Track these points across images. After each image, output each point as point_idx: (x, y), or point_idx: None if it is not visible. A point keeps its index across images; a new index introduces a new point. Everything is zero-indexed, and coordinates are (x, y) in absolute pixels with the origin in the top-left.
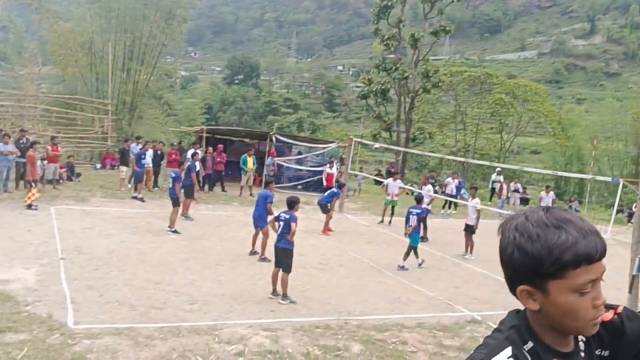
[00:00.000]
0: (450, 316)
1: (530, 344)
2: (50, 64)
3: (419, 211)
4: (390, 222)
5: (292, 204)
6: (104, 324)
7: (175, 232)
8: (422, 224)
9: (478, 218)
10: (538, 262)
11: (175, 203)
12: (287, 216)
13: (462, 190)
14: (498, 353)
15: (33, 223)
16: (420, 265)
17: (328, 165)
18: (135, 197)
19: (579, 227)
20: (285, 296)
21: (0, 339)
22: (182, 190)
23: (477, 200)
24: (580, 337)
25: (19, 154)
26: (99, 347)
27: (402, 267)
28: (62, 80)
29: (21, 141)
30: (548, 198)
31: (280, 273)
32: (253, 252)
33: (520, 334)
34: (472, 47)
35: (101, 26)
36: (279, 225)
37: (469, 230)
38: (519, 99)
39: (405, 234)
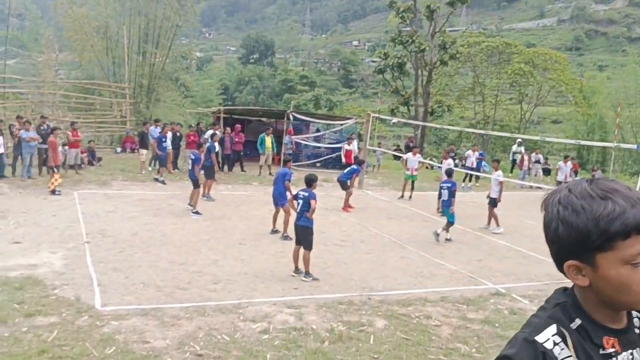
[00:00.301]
0: (473, 289)
1: (578, 322)
2: (66, 49)
3: (449, 185)
4: (410, 197)
5: (310, 181)
6: (130, 305)
7: (197, 213)
8: None
9: (500, 191)
10: (585, 235)
11: (196, 184)
12: (306, 194)
13: (483, 163)
14: (541, 331)
15: (57, 208)
16: (446, 240)
17: (347, 142)
18: (157, 179)
19: (627, 196)
20: (307, 273)
21: (31, 322)
22: (202, 172)
23: (499, 172)
24: (635, 313)
25: (40, 140)
26: (126, 327)
27: (437, 235)
28: (79, 65)
29: (42, 127)
30: (566, 168)
31: (302, 251)
32: (274, 231)
33: (566, 312)
34: (490, 17)
35: (115, 10)
36: (298, 204)
37: (492, 203)
38: (539, 68)
39: (440, 210)
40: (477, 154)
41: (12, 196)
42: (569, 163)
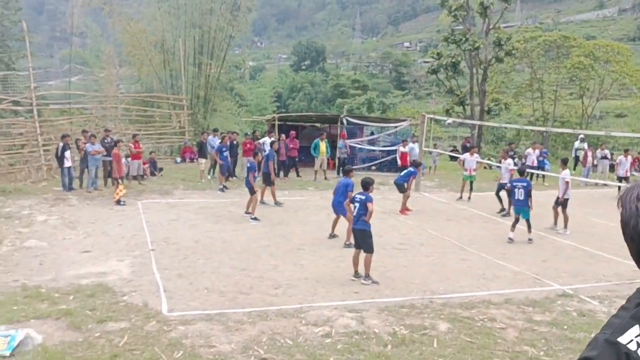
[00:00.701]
0: (539, 291)
1: None
2: (126, 64)
3: (525, 184)
4: (469, 198)
5: (367, 185)
6: (195, 310)
7: (255, 219)
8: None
9: (565, 191)
10: None
11: (252, 192)
12: (363, 197)
13: (546, 161)
14: (624, 332)
15: (123, 218)
16: (529, 240)
17: (401, 144)
18: (225, 187)
19: None
20: (367, 276)
21: (103, 327)
22: (261, 178)
23: (566, 172)
24: None
25: (105, 153)
26: (193, 332)
27: (512, 240)
28: (138, 79)
29: (106, 140)
30: (627, 162)
31: (362, 254)
32: (332, 236)
33: None
34: (546, 10)
35: (171, 23)
36: (355, 207)
37: (558, 203)
38: (600, 61)
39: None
40: (537, 152)
41: (80, 207)
42: (629, 157)
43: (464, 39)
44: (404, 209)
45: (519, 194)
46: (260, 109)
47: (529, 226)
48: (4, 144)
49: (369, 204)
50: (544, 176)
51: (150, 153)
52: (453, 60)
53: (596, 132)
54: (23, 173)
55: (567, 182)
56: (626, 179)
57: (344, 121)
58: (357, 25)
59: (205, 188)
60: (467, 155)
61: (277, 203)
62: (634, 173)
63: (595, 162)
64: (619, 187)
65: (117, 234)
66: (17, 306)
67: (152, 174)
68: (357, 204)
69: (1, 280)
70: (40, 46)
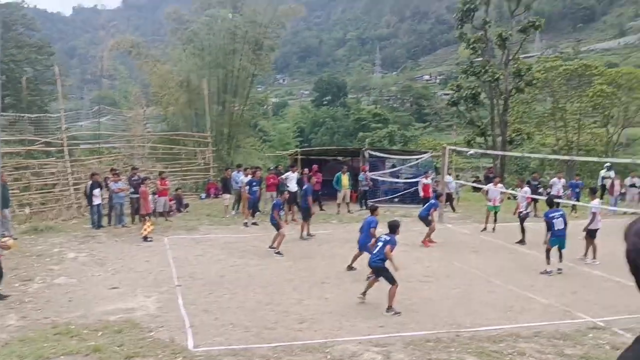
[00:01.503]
0: (569, 323)
1: None
2: (153, 104)
3: (561, 212)
4: (494, 228)
5: (394, 227)
6: (221, 345)
7: (279, 254)
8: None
9: (592, 220)
10: None
11: (278, 228)
12: (388, 238)
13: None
14: None
15: (150, 254)
16: (558, 270)
17: (424, 176)
18: (254, 223)
19: None
20: (390, 308)
21: None
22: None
23: (594, 202)
24: None
25: (130, 190)
26: None
27: (550, 272)
28: (165, 118)
29: (133, 178)
30: None
31: (382, 284)
32: (350, 268)
33: None
34: (566, 40)
35: (196, 64)
36: (377, 247)
37: (588, 233)
38: (624, 88)
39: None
40: (563, 180)
41: (109, 244)
42: None
43: (483, 70)
44: (427, 241)
45: (559, 224)
46: (284, 144)
47: (561, 256)
48: (36, 184)
49: (387, 247)
50: (574, 206)
51: (177, 190)
52: (473, 92)
53: (623, 160)
54: (54, 211)
55: (593, 213)
56: None
57: (366, 154)
58: (377, 60)
59: (229, 223)
60: (490, 185)
61: (304, 237)
62: None
63: (623, 190)
64: None
65: (144, 269)
66: (47, 343)
67: (178, 210)
68: (380, 244)
69: (32, 317)
70: (72, 88)
